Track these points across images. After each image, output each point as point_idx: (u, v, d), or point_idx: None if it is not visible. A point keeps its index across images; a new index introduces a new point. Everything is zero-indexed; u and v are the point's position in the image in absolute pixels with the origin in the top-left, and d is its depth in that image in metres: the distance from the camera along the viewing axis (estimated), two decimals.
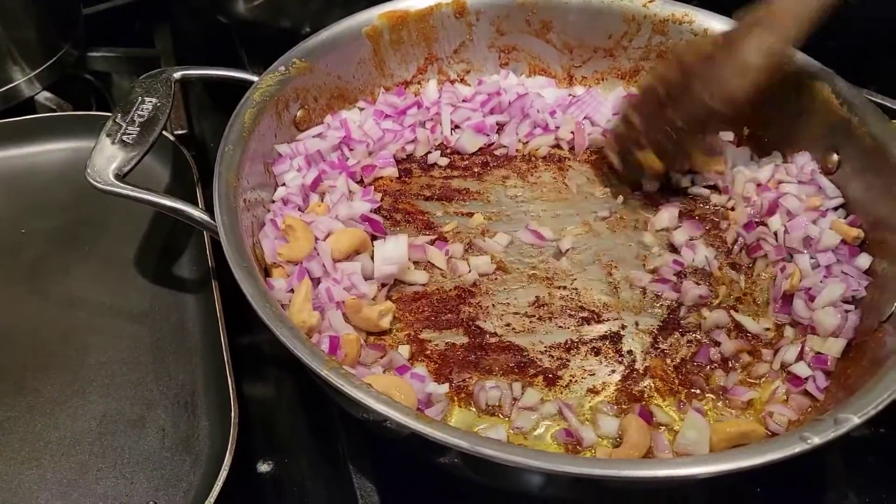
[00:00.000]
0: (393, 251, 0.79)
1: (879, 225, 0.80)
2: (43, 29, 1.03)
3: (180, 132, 0.98)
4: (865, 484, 0.77)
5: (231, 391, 0.69)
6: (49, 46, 1.04)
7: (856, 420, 0.58)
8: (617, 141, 0.91)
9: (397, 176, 0.92)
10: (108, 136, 0.78)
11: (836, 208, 0.85)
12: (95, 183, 0.74)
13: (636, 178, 0.91)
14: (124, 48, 1.15)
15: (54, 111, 1.00)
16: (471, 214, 0.89)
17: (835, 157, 0.87)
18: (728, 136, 0.96)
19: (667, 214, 0.88)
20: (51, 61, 1.04)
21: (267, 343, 0.85)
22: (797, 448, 0.56)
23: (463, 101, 0.98)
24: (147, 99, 0.82)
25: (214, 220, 0.72)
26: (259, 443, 0.78)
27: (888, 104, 0.97)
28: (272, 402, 0.83)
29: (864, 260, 0.79)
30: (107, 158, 0.76)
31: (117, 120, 0.79)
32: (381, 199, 0.88)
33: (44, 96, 1.03)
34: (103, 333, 0.78)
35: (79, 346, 0.77)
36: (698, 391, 0.74)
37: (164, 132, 0.90)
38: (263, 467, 0.75)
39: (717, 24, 0.96)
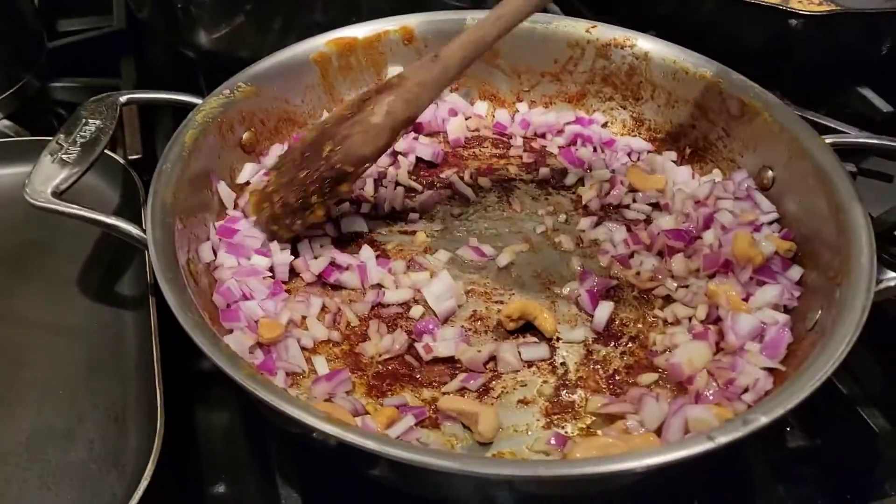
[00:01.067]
0: (443, 287, 0.81)
1: (811, 238, 0.81)
2: (2, 59, 1.06)
3: (134, 157, 1.00)
4: (802, 495, 0.76)
5: (159, 405, 0.69)
6: (9, 76, 1.07)
7: (763, 420, 0.58)
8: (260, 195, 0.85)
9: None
10: (50, 155, 0.80)
11: (770, 223, 0.86)
12: (33, 200, 0.76)
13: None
14: (87, 78, 1.18)
15: (10, 137, 1.02)
16: (414, 233, 0.90)
17: (770, 173, 0.89)
18: (671, 155, 0.98)
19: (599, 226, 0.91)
20: (11, 90, 1.06)
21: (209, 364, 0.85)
22: (703, 446, 0.56)
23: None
24: (91, 121, 0.84)
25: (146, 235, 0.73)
26: (207, 466, 0.78)
27: (835, 126, 1.00)
28: (222, 425, 0.83)
29: (795, 271, 0.80)
30: (46, 177, 0.78)
31: (59, 141, 0.81)
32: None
33: (3, 124, 1.05)
34: (39, 349, 0.78)
35: (13, 361, 0.77)
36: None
37: (115, 156, 0.93)
38: (214, 490, 0.75)
39: (656, 47, 0.99)
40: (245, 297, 0.79)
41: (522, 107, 1.06)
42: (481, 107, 1.06)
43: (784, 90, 0.98)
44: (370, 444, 0.57)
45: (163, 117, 1.15)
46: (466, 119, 1.05)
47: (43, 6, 1.23)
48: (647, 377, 0.75)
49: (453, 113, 1.03)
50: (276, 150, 0.94)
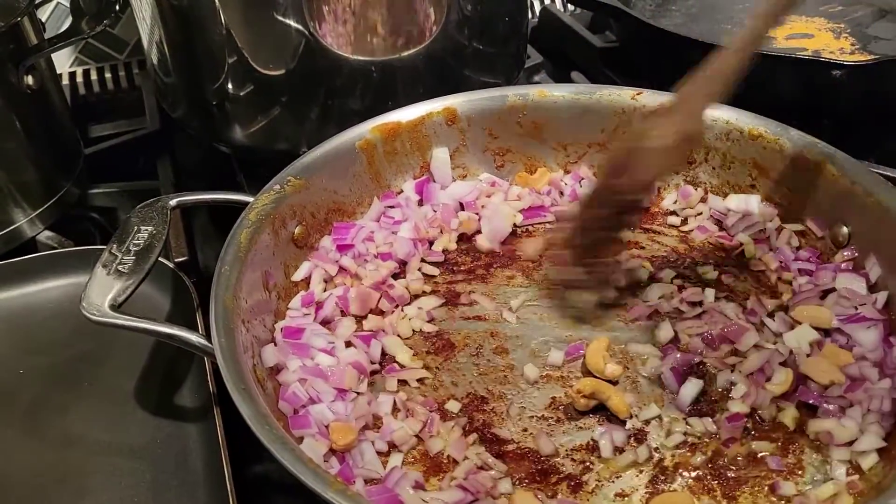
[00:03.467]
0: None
1: None
2: (43, 169, 1.05)
3: (180, 259, 0.97)
4: None
5: None
6: (50, 186, 1.06)
7: None
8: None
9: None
10: (104, 266, 0.77)
11: None
12: (90, 315, 0.73)
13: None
14: (125, 182, 1.17)
15: (54, 248, 1.00)
16: (479, 318, 0.87)
17: (844, 229, 0.85)
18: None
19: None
20: (52, 200, 1.05)
21: (275, 471, 0.81)
22: None
23: None
24: (143, 228, 0.82)
25: (211, 344, 0.70)
26: None
27: (889, 174, 0.97)
28: None
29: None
30: (102, 289, 0.75)
31: (112, 251, 0.79)
32: None
33: (45, 235, 1.03)
34: (101, 472, 0.74)
35: (76, 488, 0.73)
36: (735, 483, 0.69)
37: (163, 260, 0.90)
38: None
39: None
40: (313, 401, 0.75)
41: (568, 178, 1.03)
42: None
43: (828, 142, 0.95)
44: None
45: (198, 216, 1.14)
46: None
47: (75, 113, 1.23)
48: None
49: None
50: (326, 243, 0.91)
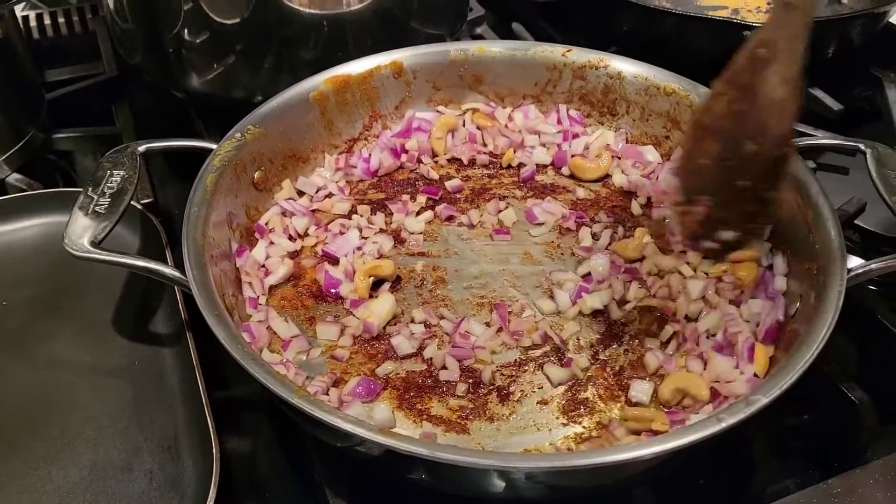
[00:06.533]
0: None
1: (789, 236, 0.89)
2: (10, 116, 1.10)
3: (146, 201, 1.05)
4: (795, 467, 0.85)
5: (211, 430, 0.75)
6: (16, 132, 1.11)
7: (764, 400, 0.66)
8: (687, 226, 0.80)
9: None
10: (81, 208, 0.85)
11: None
12: (74, 251, 0.81)
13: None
14: (87, 127, 1.23)
15: (24, 191, 1.06)
16: (421, 254, 0.97)
17: None
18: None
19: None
20: (19, 145, 1.11)
21: (243, 394, 0.91)
22: (714, 428, 0.64)
23: None
24: (115, 172, 0.89)
25: (185, 276, 0.79)
26: (242, 488, 0.83)
27: None
28: (252, 449, 0.88)
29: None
30: (81, 228, 0.83)
31: (89, 193, 0.86)
32: None
33: (14, 178, 1.09)
34: (87, 390, 0.84)
35: (64, 404, 0.82)
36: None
37: (132, 202, 0.98)
38: None
39: (628, 66, 1.07)
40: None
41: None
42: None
43: None
44: (422, 451, 0.64)
45: (155, 160, 1.21)
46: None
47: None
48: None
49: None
50: (287, 186, 1.00)
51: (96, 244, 0.82)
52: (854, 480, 0.76)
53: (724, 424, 0.64)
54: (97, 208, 0.85)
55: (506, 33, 1.41)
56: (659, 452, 0.64)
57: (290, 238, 0.97)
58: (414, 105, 1.11)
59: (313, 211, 1.01)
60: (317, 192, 1.03)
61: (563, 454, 0.72)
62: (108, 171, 0.89)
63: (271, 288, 0.92)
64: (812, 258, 0.82)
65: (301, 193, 1.02)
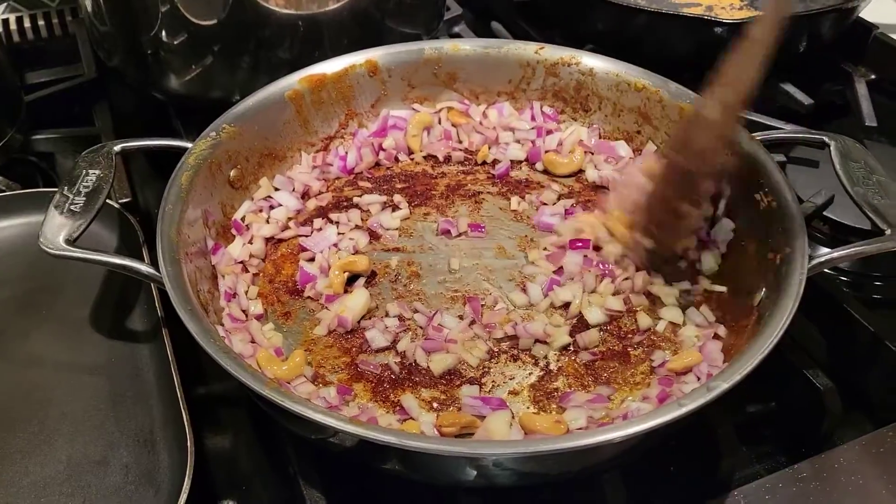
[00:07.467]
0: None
1: (751, 226, 0.91)
2: None
3: (125, 200, 1.06)
4: (763, 453, 0.87)
5: (186, 424, 0.76)
6: None
7: (724, 385, 0.68)
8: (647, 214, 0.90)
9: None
10: (56, 207, 0.86)
11: None
12: (49, 250, 0.82)
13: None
14: (66, 129, 1.23)
15: (3, 192, 1.07)
16: (396, 249, 0.98)
17: None
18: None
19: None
20: None
21: (222, 390, 0.93)
22: (675, 413, 0.66)
23: None
24: (91, 171, 0.90)
25: (160, 272, 0.80)
26: (220, 482, 0.85)
27: (761, 120, 1.10)
28: (231, 444, 0.90)
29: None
30: (57, 227, 0.84)
31: (64, 192, 0.87)
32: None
33: None
34: (64, 387, 0.85)
35: (41, 400, 0.83)
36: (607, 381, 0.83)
37: (108, 201, 0.99)
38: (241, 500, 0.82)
39: (600, 63, 1.09)
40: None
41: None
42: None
43: None
44: (391, 439, 0.65)
45: (135, 160, 1.22)
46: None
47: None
48: None
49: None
50: (265, 184, 1.01)
51: (71, 242, 0.83)
52: (819, 465, 0.78)
53: (684, 410, 0.66)
54: (72, 207, 0.86)
55: (485, 32, 1.43)
56: (621, 437, 0.65)
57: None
58: (389, 103, 1.12)
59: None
60: (293, 190, 1.04)
61: (527, 440, 0.73)
62: (84, 171, 0.90)
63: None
64: (775, 248, 0.84)
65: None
